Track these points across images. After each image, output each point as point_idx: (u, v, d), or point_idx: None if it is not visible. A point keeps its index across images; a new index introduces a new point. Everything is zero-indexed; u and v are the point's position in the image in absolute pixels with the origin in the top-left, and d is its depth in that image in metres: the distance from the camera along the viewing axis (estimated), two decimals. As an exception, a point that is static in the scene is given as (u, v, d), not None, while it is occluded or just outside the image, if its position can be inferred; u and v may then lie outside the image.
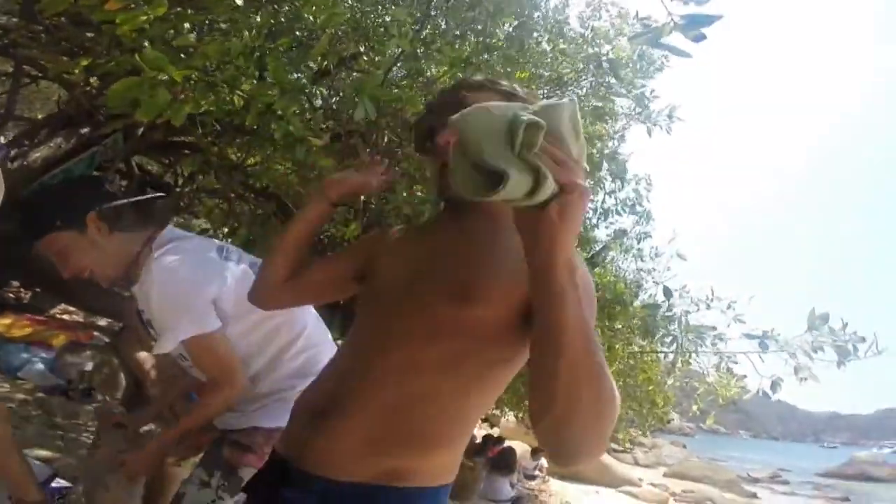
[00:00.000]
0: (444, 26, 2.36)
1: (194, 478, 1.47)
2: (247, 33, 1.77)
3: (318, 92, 2.19)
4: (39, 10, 1.92)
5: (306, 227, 1.04)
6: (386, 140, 2.48)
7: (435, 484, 0.82)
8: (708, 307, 3.43)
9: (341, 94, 2.25)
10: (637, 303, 3.61)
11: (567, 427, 0.62)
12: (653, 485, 8.34)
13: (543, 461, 6.29)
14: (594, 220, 3.37)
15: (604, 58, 2.40)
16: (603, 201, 3.35)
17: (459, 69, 2.02)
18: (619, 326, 3.44)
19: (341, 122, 2.23)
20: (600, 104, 2.64)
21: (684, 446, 15.99)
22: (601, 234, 3.67)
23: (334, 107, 2.34)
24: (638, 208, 3.47)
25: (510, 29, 2.42)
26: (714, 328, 3.27)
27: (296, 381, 1.49)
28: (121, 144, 2.59)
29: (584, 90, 2.74)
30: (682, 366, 3.79)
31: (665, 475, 9.82)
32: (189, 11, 1.70)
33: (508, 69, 2.17)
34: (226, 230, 2.95)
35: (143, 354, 2.10)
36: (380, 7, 2.31)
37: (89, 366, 2.79)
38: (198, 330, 1.32)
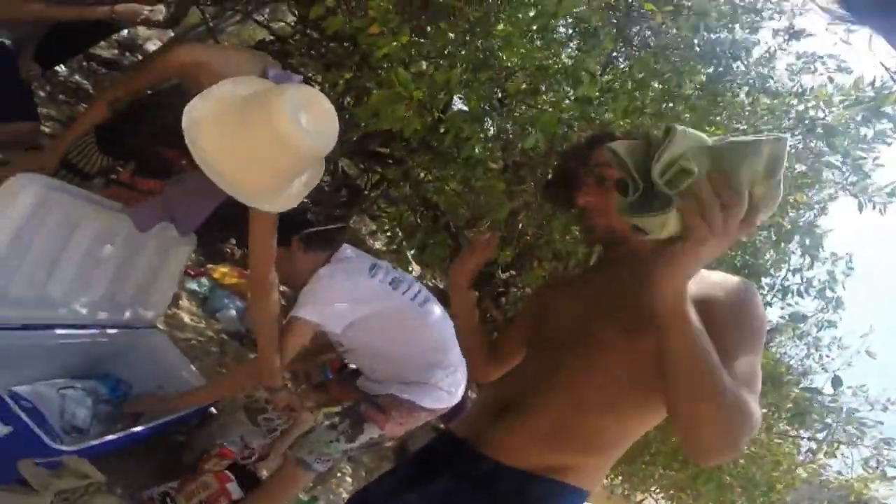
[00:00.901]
0: (627, 71, 2.31)
1: (328, 418, 1.87)
2: (460, 65, 2.01)
3: (494, 122, 2.32)
4: (316, 24, 2.42)
5: (465, 318, 1.25)
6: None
7: (584, 486, 0.97)
8: (885, 409, 2.95)
9: (516, 125, 2.37)
10: (796, 390, 3.05)
11: (691, 435, 0.73)
12: None
13: None
14: (769, 298, 2.90)
15: (818, 121, 2.08)
16: (784, 278, 2.88)
17: (633, 118, 1.98)
18: (770, 402, 2.89)
19: (513, 153, 2.39)
20: (804, 169, 2.32)
21: None
22: (773, 313, 3.15)
23: (509, 136, 2.46)
24: (828, 293, 2.87)
25: (703, 79, 2.26)
26: (881, 423, 2.77)
27: (430, 375, 1.84)
28: (337, 148, 3.05)
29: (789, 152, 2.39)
30: (823, 458, 3.30)
31: None
32: (421, 40, 2.04)
33: (695, 120, 2.02)
34: (401, 233, 3.24)
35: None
36: (568, 48, 2.39)
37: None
38: (317, 319, 1.71)
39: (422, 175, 3.14)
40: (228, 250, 3.84)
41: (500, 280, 3.19)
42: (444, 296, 2.11)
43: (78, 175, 1.73)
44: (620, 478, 3.49)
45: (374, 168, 3.83)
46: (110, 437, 1.49)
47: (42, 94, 3.19)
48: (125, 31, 4.23)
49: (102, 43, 3.93)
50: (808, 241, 2.50)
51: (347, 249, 1.87)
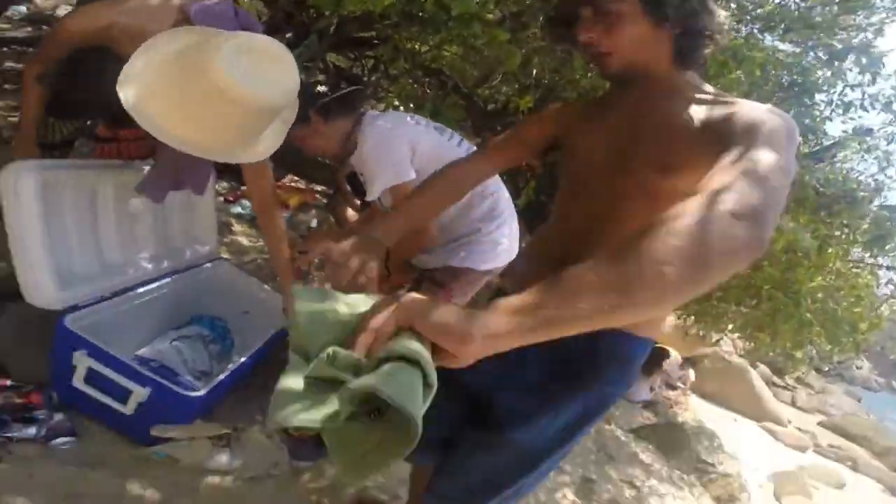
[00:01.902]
0: None
1: None
2: None
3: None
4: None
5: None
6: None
7: (646, 335, 0.96)
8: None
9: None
10: (873, 208, 2.80)
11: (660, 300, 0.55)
12: (800, 429, 7.10)
13: (691, 374, 5.69)
14: (826, 113, 2.69)
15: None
16: (843, 93, 2.61)
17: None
18: (844, 223, 2.67)
19: (507, 2, 2.20)
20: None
21: (859, 400, 11.93)
22: (835, 127, 2.89)
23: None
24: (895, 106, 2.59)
25: None
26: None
27: (481, 225, 1.74)
28: (317, 45, 2.79)
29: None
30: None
31: (819, 423, 8.13)
32: None
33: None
34: (412, 105, 3.17)
35: (350, 212, 2.41)
36: None
37: (314, 223, 3.40)
38: (396, 179, 1.61)
39: (417, 47, 2.96)
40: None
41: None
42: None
43: (44, 149, 1.65)
44: (693, 317, 3.35)
45: (364, 54, 3.62)
46: (231, 367, 1.57)
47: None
48: (23, 7, 3.92)
49: (7, 24, 3.67)
50: (864, 60, 2.33)
51: (371, 112, 1.79)
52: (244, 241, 2.98)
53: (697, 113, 0.84)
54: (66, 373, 1.38)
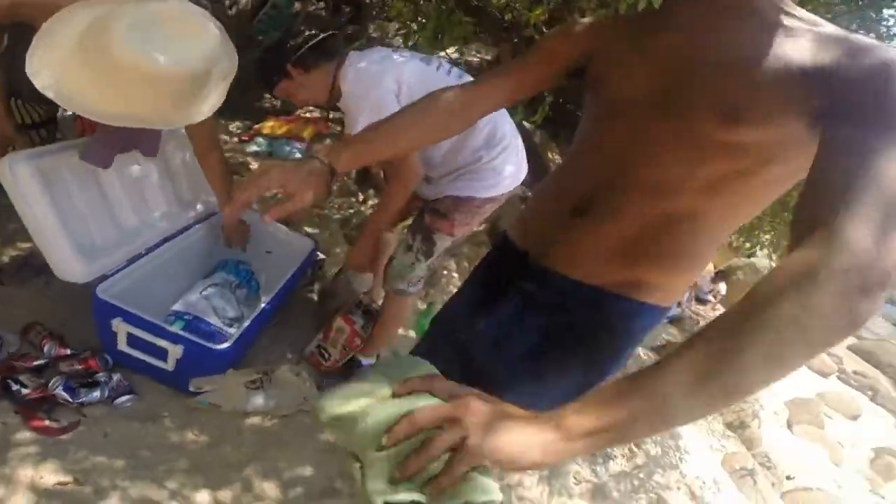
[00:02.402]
0: None
1: (402, 241, 1.84)
2: None
3: None
4: None
5: None
6: None
7: (662, 304, 0.82)
8: None
9: None
10: None
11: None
12: (827, 353, 6.36)
13: (722, 287, 5.27)
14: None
15: None
16: None
17: None
18: None
19: None
20: None
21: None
22: None
23: None
24: None
25: None
26: None
27: (482, 153, 1.66)
28: None
29: None
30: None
31: (848, 347, 7.23)
32: None
33: None
34: (415, 26, 2.89)
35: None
36: None
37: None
38: (377, 116, 1.46)
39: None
40: (268, 105, 3.84)
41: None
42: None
43: (28, 129, 1.66)
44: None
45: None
46: (254, 315, 1.67)
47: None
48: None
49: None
50: None
51: (353, 53, 1.71)
52: (264, 178, 3.02)
53: (784, 47, 0.64)
54: (111, 338, 1.52)
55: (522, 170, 1.75)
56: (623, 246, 0.77)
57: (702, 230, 0.75)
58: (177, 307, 1.78)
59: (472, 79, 1.61)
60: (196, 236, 1.97)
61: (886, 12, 2.23)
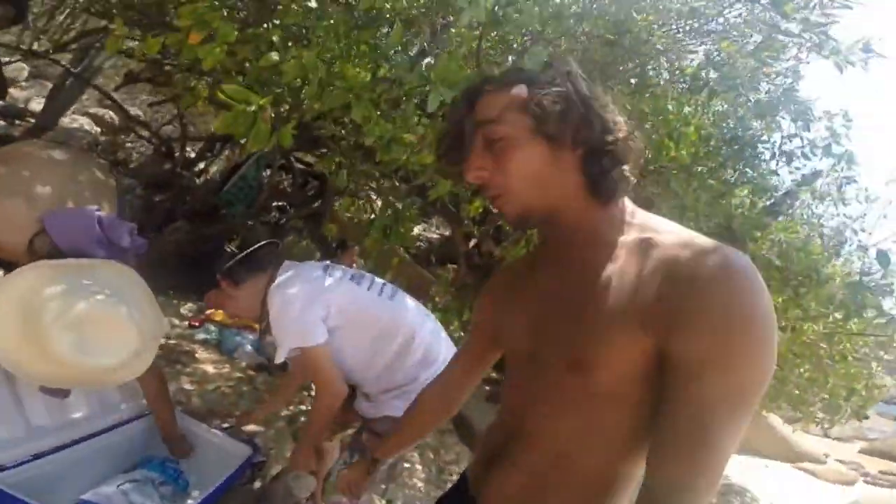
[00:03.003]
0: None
1: (341, 458, 1.76)
2: (323, 41, 1.65)
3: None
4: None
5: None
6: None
7: None
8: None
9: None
10: (838, 262, 2.88)
11: None
12: (841, 461, 6.82)
13: None
14: (773, 165, 2.75)
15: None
16: (782, 144, 2.70)
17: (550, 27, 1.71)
18: (812, 305, 2.65)
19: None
20: (760, 39, 2.21)
21: (894, 418, 11.48)
22: (783, 179, 3.01)
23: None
24: (835, 148, 2.68)
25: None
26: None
27: (419, 372, 1.65)
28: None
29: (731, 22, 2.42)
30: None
31: (861, 451, 7.79)
32: (266, 27, 1.68)
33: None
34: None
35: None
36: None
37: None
38: (302, 342, 1.55)
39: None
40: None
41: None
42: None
43: None
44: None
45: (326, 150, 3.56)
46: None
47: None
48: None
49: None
50: (793, 108, 2.41)
51: (287, 264, 1.71)
52: (209, 368, 2.90)
53: (619, 268, 0.67)
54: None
55: None
56: (529, 488, 0.77)
57: (595, 467, 0.73)
58: (88, 496, 1.56)
59: (403, 295, 1.75)
60: (116, 438, 1.81)
61: (760, 146, 2.63)
